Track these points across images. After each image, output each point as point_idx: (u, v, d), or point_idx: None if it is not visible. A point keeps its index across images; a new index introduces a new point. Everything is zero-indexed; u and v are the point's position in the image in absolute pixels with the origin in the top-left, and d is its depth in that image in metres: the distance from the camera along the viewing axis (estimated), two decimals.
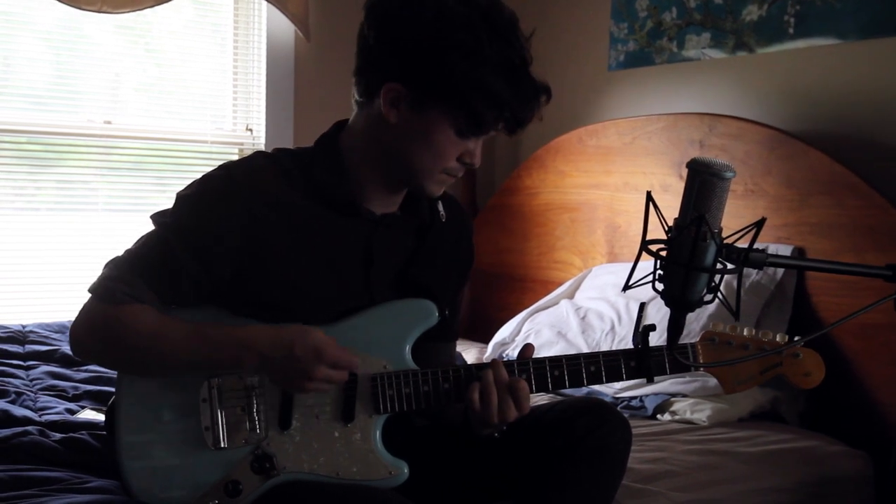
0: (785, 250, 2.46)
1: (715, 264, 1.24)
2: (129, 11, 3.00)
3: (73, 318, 1.48)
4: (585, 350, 2.56)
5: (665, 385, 2.33)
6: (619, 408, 2.38)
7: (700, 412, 2.25)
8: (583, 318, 2.70)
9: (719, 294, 1.26)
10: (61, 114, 3.17)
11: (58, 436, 1.66)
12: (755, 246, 1.29)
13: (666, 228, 1.27)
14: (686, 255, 1.20)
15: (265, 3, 3.33)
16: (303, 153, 1.59)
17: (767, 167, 2.57)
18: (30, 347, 2.54)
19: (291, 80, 3.43)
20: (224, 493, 1.46)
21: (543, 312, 2.91)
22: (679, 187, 2.76)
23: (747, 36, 2.83)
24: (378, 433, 1.51)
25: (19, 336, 2.60)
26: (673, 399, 2.34)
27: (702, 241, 1.20)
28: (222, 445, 1.47)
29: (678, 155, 2.81)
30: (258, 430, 1.48)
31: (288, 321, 1.48)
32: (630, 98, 3.24)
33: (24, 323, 2.75)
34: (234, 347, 1.42)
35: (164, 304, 1.47)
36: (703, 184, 1.20)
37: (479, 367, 1.52)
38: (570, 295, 2.95)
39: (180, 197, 1.51)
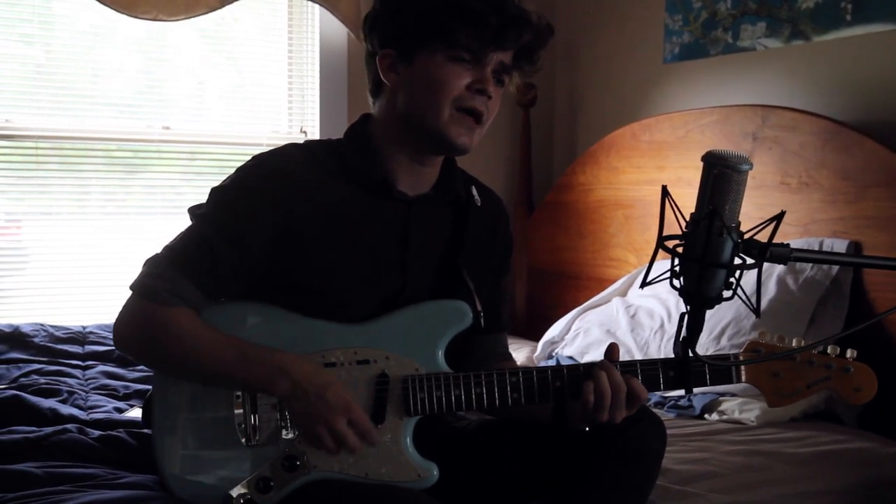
0: (840, 245, 2.38)
1: (733, 259, 1.20)
2: (183, 18, 3.06)
3: None
4: (634, 348, 2.52)
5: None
6: (666, 407, 2.33)
7: (749, 412, 2.19)
8: (632, 317, 2.66)
9: (739, 291, 1.22)
10: (129, 120, 3.27)
11: (96, 433, 1.70)
12: (783, 241, 1.24)
13: (684, 223, 1.24)
14: (700, 251, 1.17)
15: (317, 6, 3.36)
16: (334, 141, 1.64)
17: (822, 159, 2.49)
18: (89, 348, 2.62)
19: (345, 81, 3.46)
20: (255, 489, 1.48)
21: (594, 311, 2.87)
22: None
23: (803, 24, 2.75)
24: (408, 435, 1.51)
25: (79, 337, 2.68)
26: (721, 398, 2.28)
27: (717, 235, 1.17)
28: (254, 442, 1.49)
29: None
30: (290, 429, 1.49)
31: (324, 306, 1.51)
32: (685, 91, 3.18)
33: (85, 324, 2.83)
34: (271, 369, 1.44)
35: (206, 298, 1.49)
36: (717, 177, 1.17)
37: (513, 371, 1.50)
38: (623, 293, 2.90)
39: (214, 189, 1.55)
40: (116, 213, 3.29)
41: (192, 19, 3.13)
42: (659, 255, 3.06)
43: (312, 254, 1.52)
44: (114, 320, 1.52)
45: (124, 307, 1.51)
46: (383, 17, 1.57)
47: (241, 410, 1.49)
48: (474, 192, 1.70)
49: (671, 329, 2.49)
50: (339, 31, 3.42)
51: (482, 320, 1.60)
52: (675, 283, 1.24)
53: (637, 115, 3.32)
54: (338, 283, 1.53)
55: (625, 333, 2.60)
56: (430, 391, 1.49)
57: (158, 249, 1.52)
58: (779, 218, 1.18)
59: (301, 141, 1.67)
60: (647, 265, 2.91)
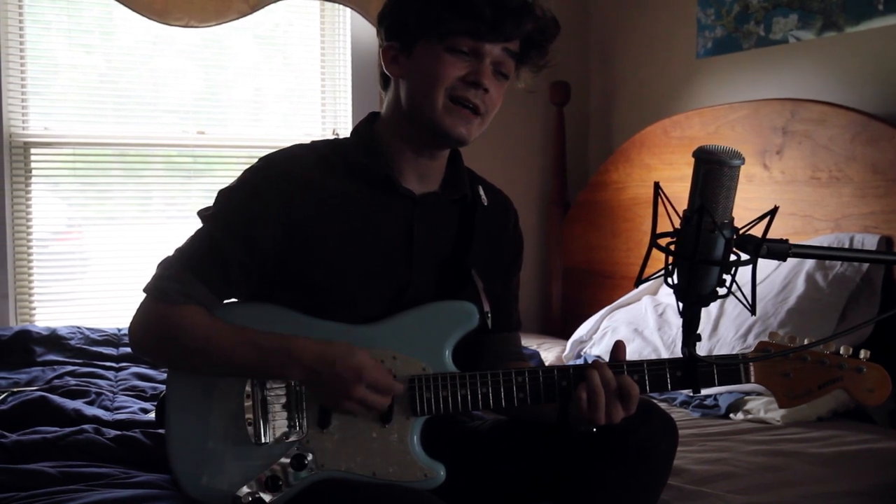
0: (871, 240, 2.32)
1: (728, 256, 1.18)
2: (214, 25, 3.11)
3: None
4: (661, 347, 2.50)
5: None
6: (691, 406, 2.30)
7: (774, 411, 2.14)
8: (660, 315, 2.63)
9: (734, 288, 1.19)
10: (180, 126, 3.35)
11: (113, 433, 1.73)
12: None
13: (680, 219, 1.22)
14: (690, 248, 1.15)
15: (349, 9, 3.39)
16: (340, 140, 1.67)
17: (852, 153, 2.44)
18: (123, 350, 2.67)
19: (376, 83, 3.46)
20: (264, 488, 1.49)
21: (623, 309, 2.85)
22: (763, 177, 2.68)
23: (836, 15, 2.69)
24: (416, 435, 1.51)
25: (114, 339, 2.74)
26: (747, 397, 2.24)
27: (709, 232, 1.15)
28: (263, 441, 1.50)
29: (761, 143, 2.70)
30: (298, 428, 1.50)
31: (332, 304, 1.52)
32: (719, 85, 3.14)
33: (121, 326, 2.89)
34: (282, 357, 1.46)
35: (217, 298, 1.52)
36: (708, 173, 1.16)
37: (519, 372, 1.50)
38: (654, 291, 2.87)
39: (222, 191, 1.58)
40: (176, 218, 3.37)
41: (249, 26, 3.26)
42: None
43: (319, 251, 1.53)
44: (129, 323, 1.55)
45: (138, 310, 1.54)
46: (389, 11, 1.59)
47: (251, 410, 1.51)
48: (481, 191, 1.70)
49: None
50: (370, 32, 3.43)
51: (489, 321, 1.60)
52: (671, 281, 1.22)
53: (672, 111, 3.28)
54: (344, 280, 1.54)
55: (652, 332, 2.58)
56: (437, 391, 1.49)
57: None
58: (772, 213, 1.16)
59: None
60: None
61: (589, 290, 3.50)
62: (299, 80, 3.52)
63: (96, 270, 3.30)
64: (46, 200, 3.21)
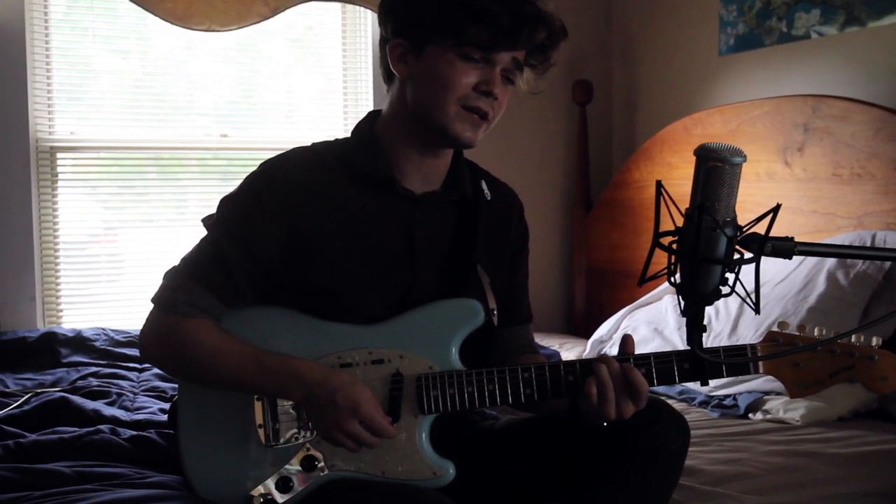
0: (893, 237, 2.28)
1: (731, 254, 1.16)
2: (235, 28, 3.13)
3: None
4: (680, 346, 2.48)
5: (759, 383, 2.22)
6: (710, 406, 2.28)
7: (793, 411, 2.11)
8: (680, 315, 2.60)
9: (738, 286, 1.18)
10: (195, 129, 3.39)
11: (128, 433, 1.75)
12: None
13: (683, 217, 1.21)
14: (691, 247, 1.14)
15: (369, 11, 3.40)
16: (341, 141, 1.66)
17: (874, 149, 2.41)
18: None
19: None
20: (276, 489, 1.50)
21: (644, 309, 2.83)
22: (784, 174, 2.65)
23: (858, 9, 2.66)
24: (424, 433, 1.51)
25: (138, 340, 2.76)
26: (766, 397, 2.22)
27: (710, 231, 1.14)
28: (274, 443, 1.52)
29: (782, 140, 2.67)
30: (308, 429, 1.52)
31: (338, 306, 1.53)
32: (741, 82, 3.11)
33: None
34: (285, 377, 1.47)
35: (224, 306, 1.53)
36: (709, 171, 1.14)
37: (525, 367, 1.49)
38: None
39: (224, 199, 1.59)
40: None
41: (281, 30, 3.31)
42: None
43: (322, 254, 1.54)
44: (139, 332, 1.57)
45: (147, 320, 1.56)
46: (398, 6, 1.57)
47: (261, 412, 1.52)
48: (484, 186, 1.69)
49: (718, 327, 2.44)
50: None
51: (495, 317, 1.59)
52: (674, 280, 1.21)
53: (694, 109, 3.26)
54: (348, 282, 1.54)
55: (672, 331, 2.56)
56: (444, 389, 1.50)
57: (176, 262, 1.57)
58: (774, 211, 1.14)
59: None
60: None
61: (612, 290, 3.49)
62: (324, 82, 3.54)
63: (129, 273, 3.33)
64: (78, 204, 3.24)
